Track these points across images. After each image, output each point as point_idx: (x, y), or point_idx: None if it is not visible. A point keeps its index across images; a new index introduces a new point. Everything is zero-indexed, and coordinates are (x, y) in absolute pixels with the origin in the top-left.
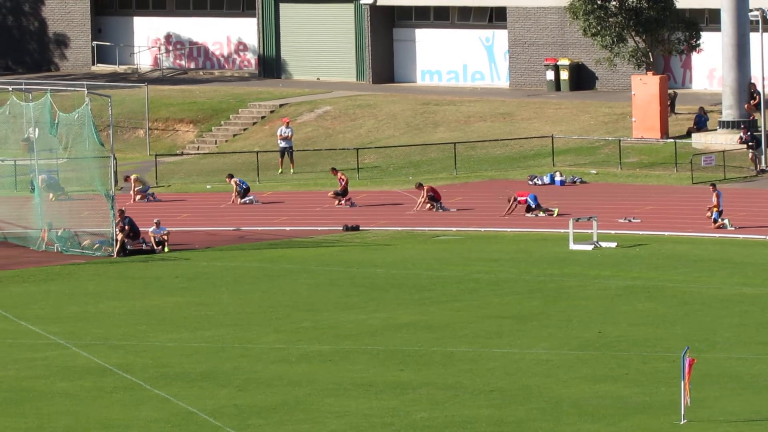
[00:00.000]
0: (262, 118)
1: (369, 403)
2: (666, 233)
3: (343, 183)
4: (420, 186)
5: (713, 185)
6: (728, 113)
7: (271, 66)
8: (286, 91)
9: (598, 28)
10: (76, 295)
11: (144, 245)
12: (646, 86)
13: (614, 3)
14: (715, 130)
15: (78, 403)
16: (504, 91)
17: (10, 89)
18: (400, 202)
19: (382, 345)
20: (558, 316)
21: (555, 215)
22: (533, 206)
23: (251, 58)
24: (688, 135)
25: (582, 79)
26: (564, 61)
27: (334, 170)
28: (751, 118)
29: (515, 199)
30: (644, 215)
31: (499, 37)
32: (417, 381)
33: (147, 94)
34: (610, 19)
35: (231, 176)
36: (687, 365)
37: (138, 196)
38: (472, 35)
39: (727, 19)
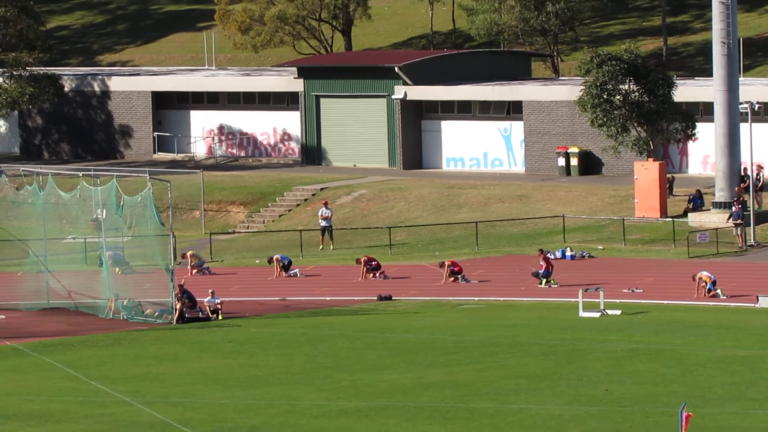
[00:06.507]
0: (305, 200)
1: None
2: (665, 302)
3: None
4: (441, 265)
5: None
6: (720, 195)
7: (312, 154)
8: (326, 177)
9: (604, 119)
10: (140, 357)
11: (200, 313)
12: (647, 171)
13: (618, 97)
14: (709, 210)
15: None
16: (520, 176)
17: (81, 175)
18: (428, 275)
19: (413, 402)
20: (569, 375)
21: (553, 284)
22: (541, 274)
23: (295, 146)
24: (685, 214)
25: (590, 164)
26: (574, 149)
27: (359, 261)
28: (742, 198)
29: (545, 258)
30: (646, 286)
31: (516, 127)
32: None
33: (202, 179)
34: (615, 112)
35: (271, 259)
36: (684, 419)
37: (194, 270)
38: (491, 126)
39: (719, 111)
